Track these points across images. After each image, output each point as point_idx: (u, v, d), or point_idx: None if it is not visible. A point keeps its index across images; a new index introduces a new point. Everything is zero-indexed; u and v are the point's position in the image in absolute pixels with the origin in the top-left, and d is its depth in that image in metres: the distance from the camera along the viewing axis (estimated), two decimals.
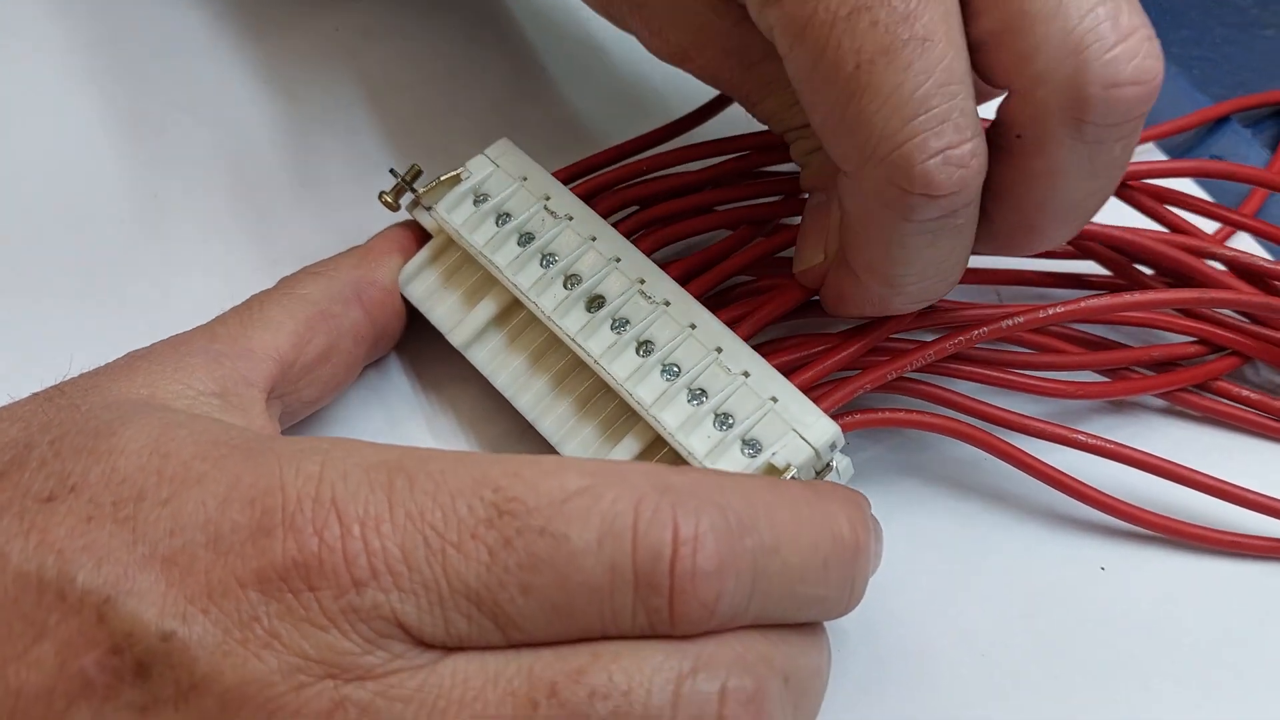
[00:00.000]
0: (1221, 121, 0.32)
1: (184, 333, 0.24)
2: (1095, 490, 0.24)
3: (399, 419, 0.27)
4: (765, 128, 0.26)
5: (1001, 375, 0.25)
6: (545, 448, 0.26)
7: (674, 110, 0.30)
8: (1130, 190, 0.27)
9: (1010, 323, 0.24)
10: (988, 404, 0.25)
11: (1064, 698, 0.23)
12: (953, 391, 0.25)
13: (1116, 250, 0.26)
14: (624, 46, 0.33)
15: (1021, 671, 0.23)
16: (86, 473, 0.18)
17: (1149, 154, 0.31)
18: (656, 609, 0.17)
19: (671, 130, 0.29)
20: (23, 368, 0.23)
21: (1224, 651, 0.23)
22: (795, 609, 0.19)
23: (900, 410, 0.25)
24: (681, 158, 0.28)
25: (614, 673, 0.17)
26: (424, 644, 0.17)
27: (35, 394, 0.21)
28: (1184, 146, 0.32)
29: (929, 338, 0.25)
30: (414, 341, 0.28)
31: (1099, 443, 0.24)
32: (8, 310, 0.28)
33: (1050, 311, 0.24)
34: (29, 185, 0.31)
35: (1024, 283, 0.27)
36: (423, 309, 0.26)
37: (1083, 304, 0.24)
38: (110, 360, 0.22)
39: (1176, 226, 0.27)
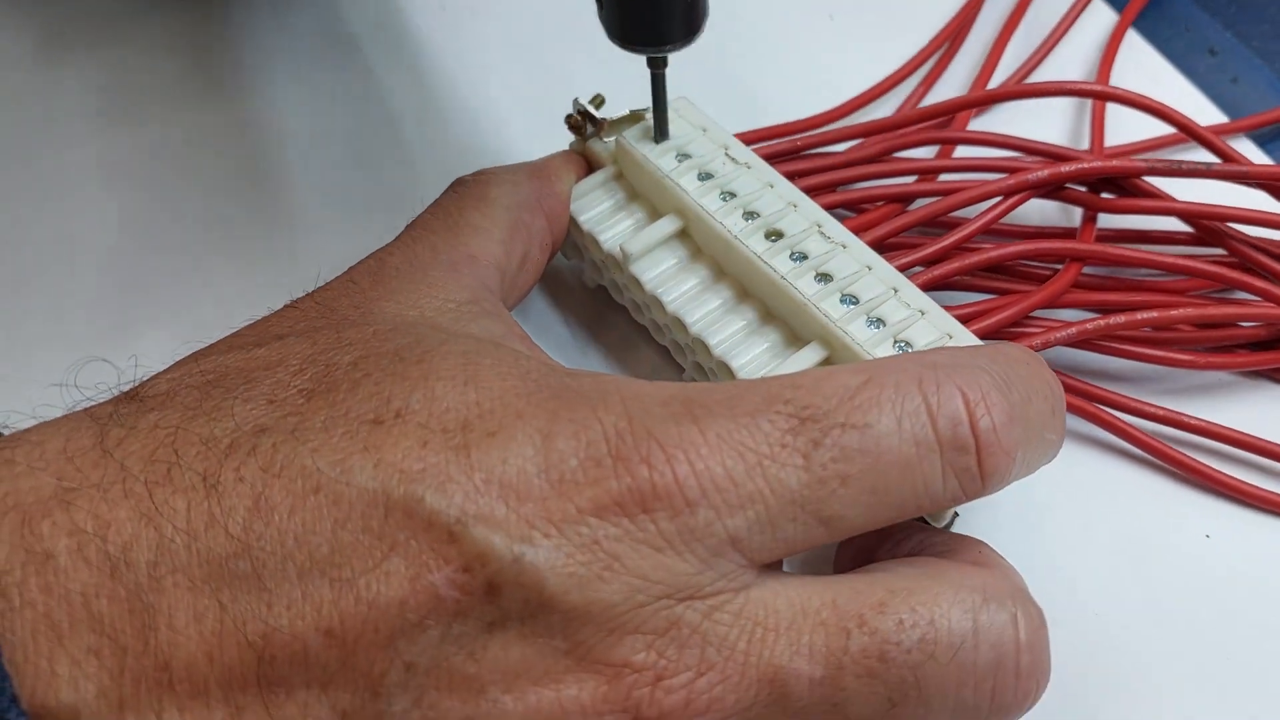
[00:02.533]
0: None
1: (401, 243, 0.24)
2: (1201, 464, 0.27)
3: None
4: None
5: (1124, 348, 0.28)
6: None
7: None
8: None
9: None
10: (1101, 387, 0.27)
11: (1170, 657, 0.25)
12: (1065, 373, 0.28)
13: None
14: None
15: (1130, 630, 0.25)
16: (408, 398, 0.18)
17: (1239, 143, 0.33)
18: (965, 468, 0.19)
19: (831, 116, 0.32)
20: None
21: None
22: (1044, 454, 0.21)
23: None
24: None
25: (915, 605, 0.18)
26: (750, 560, 0.18)
27: (295, 305, 0.22)
28: (1269, 135, 0.34)
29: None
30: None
31: (1204, 425, 0.27)
32: None
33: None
34: None
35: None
36: (590, 227, 0.28)
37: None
38: (346, 272, 0.23)
39: None
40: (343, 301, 0.22)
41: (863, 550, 0.23)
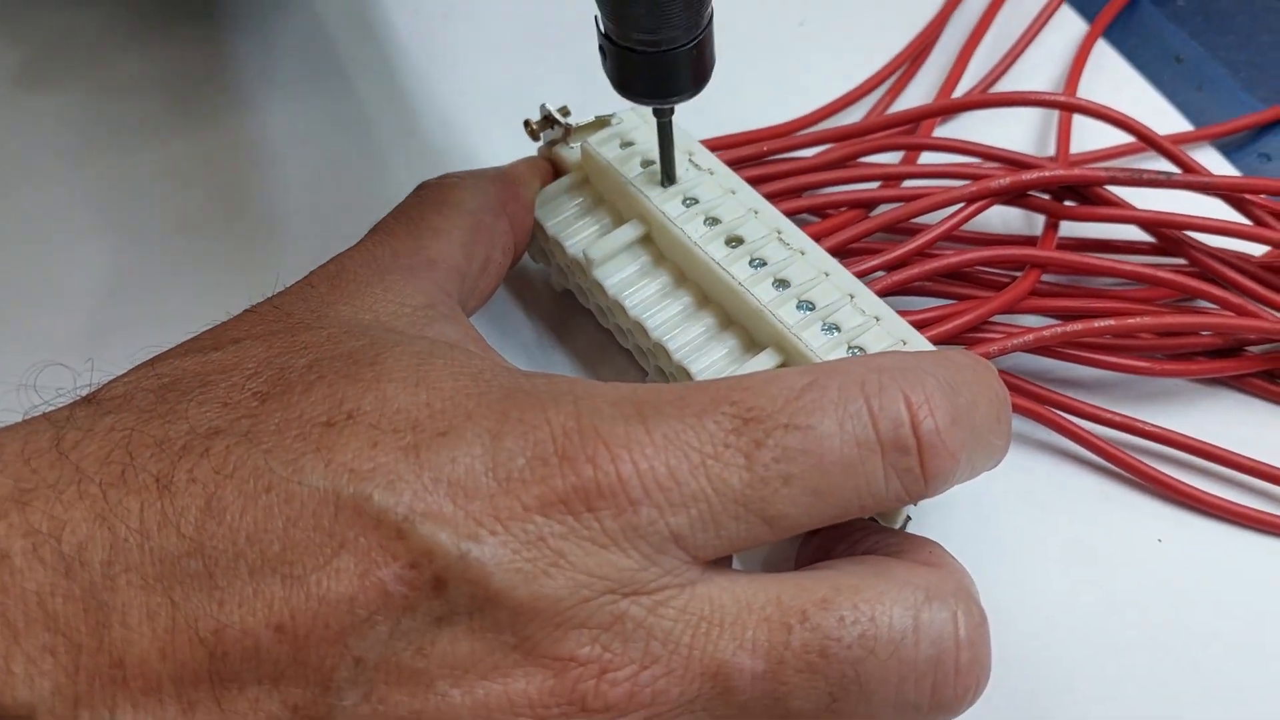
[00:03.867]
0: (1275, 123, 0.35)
1: (362, 247, 0.24)
2: (1154, 470, 0.27)
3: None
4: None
5: (1082, 355, 0.28)
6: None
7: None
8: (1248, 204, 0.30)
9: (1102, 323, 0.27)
10: (1058, 392, 0.28)
11: (1120, 661, 0.25)
12: (1022, 378, 0.28)
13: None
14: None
15: (1081, 633, 0.25)
16: (360, 400, 0.18)
17: (1204, 151, 0.34)
18: (907, 469, 0.19)
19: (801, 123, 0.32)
20: None
21: (1274, 625, 0.25)
22: (989, 458, 0.21)
23: None
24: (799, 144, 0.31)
25: (858, 602, 0.19)
26: (694, 557, 0.18)
27: (253, 310, 0.22)
28: (1235, 144, 0.35)
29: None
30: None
31: (1160, 431, 0.27)
32: None
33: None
34: None
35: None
36: (555, 232, 0.28)
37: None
38: (305, 277, 0.23)
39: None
40: (299, 306, 0.22)
41: (820, 549, 0.23)
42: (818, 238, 0.29)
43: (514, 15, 0.37)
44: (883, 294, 0.28)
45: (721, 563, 0.20)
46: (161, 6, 0.37)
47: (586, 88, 0.28)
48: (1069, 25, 0.37)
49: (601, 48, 0.24)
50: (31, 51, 0.36)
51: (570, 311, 0.30)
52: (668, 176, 0.27)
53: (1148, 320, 0.27)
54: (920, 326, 0.27)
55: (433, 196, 0.26)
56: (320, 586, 0.17)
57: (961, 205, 0.29)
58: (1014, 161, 0.30)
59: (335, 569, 0.17)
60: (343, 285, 0.23)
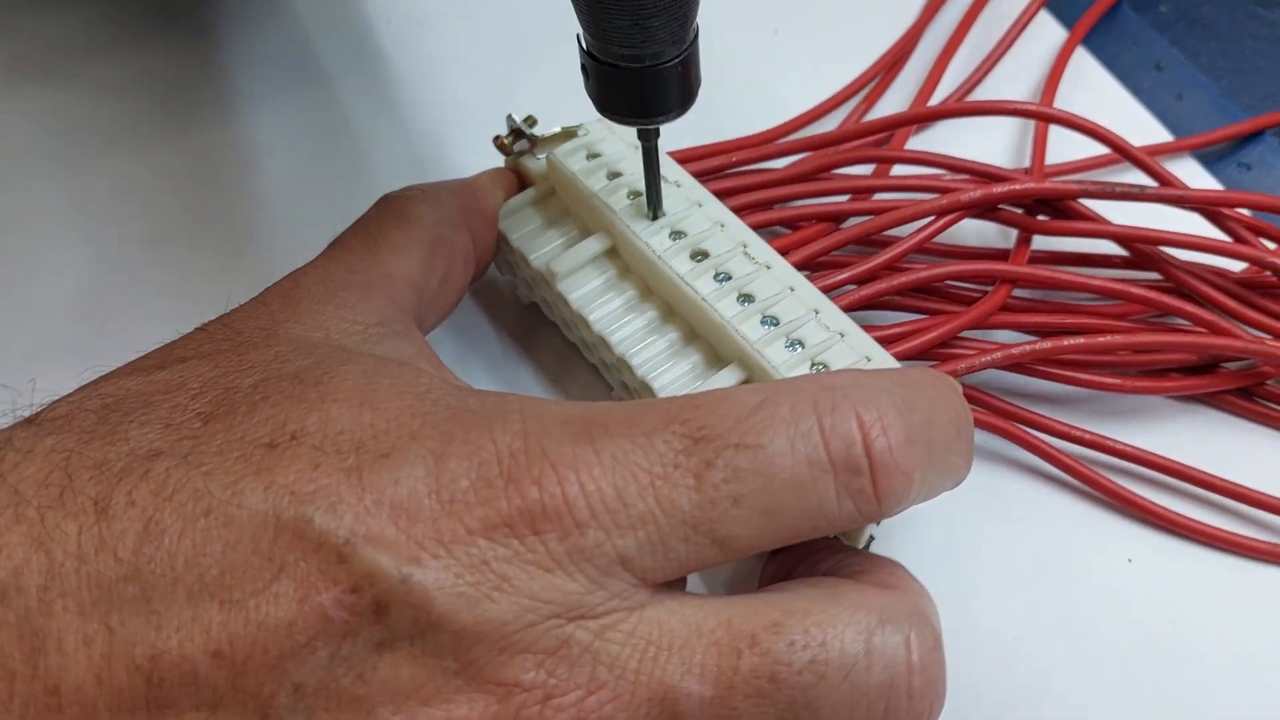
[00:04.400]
0: (1255, 134, 0.34)
1: (319, 263, 0.24)
2: (1125, 489, 0.27)
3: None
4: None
5: (1053, 372, 0.28)
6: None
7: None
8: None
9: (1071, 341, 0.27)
10: (1029, 410, 0.27)
11: (1089, 682, 0.25)
12: (992, 394, 0.28)
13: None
14: None
15: (1049, 654, 0.25)
16: (303, 421, 0.18)
17: (1183, 162, 0.34)
18: (860, 490, 0.19)
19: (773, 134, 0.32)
20: None
21: (1242, 647, 0.25)
22: (944, 477, 0.21)
23: None
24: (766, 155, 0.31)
25: (809, 626, 0.18)
26: (643, 580, 0.18)
27: (203, 328, 0.22)
28: (1215, 155, 0.34)
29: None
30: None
31: (1130, 450, 0.27)
32: None
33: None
34: None
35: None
36: (519, 244, 0.28)
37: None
38: (259, 294, 0.23)
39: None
40: (250, 324, 0.22)
41: (781, 568, 0.23)
42: (786, 251, 0.28)
43: (492, 22, 0.37)
44: (851, 308, 0.27)
45: (675, 583, 0.19)
46: (143, 12, 0.37)
47: (566, 95, 0.28)
48: (1048, 32, 0.37)
49: (584, 66, 0.23)
50: (8, 55, 0.36)
51: (537, 323, 0.30)
52: (654, 207, 0.26)
53: (1119, 338, 0.27)
54: (888, 342, 0.27)
55: (392, 210, 0.26)
56: (259, 611, 0.17)
57: (931, 219, 0.28)
58: (986, 174, 0.30)
59: (274, 594, 0.17)
60: (295, 302, 0.23)
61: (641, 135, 0.25)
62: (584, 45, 0.23)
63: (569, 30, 0.22)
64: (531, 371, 0.29)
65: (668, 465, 0.18)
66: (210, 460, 0.18)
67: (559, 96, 0.29)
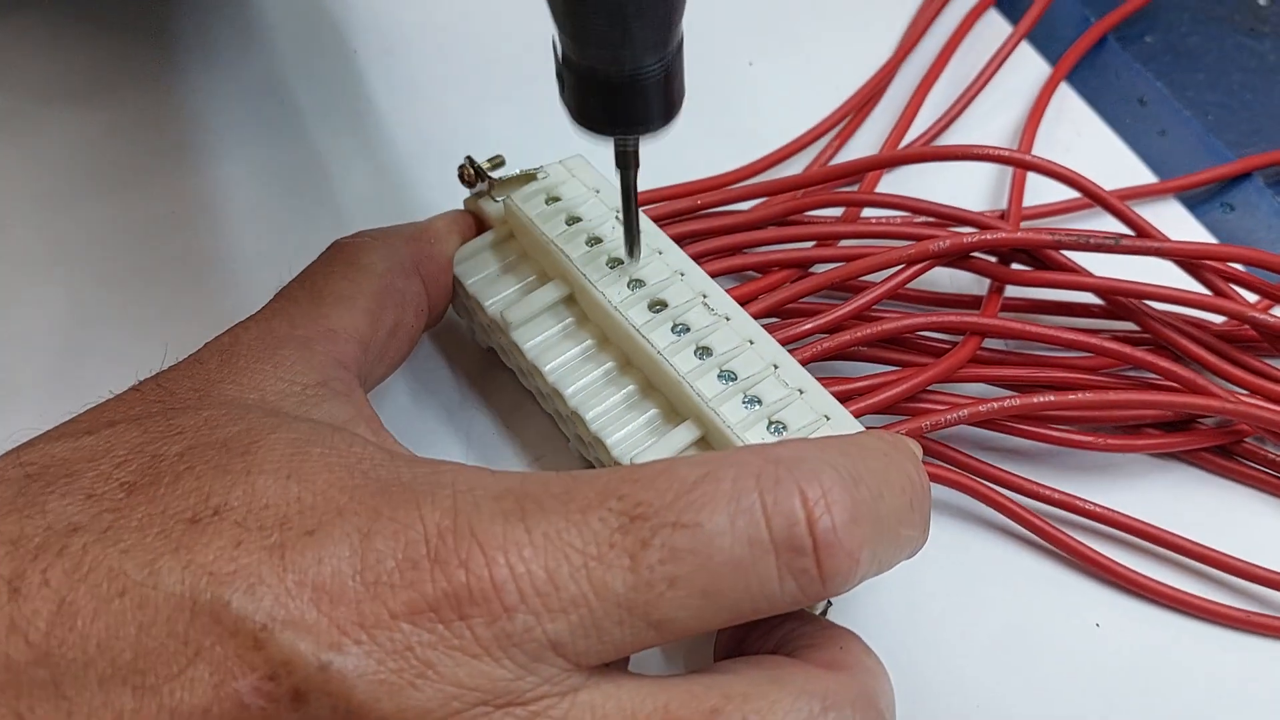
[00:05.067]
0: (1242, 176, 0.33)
1: (261, 316, 0.23)
2: (1094, 552, 0.26)
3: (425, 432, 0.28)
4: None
5: (1023, 429, 0.27)
6: (573, 462, 0.27)
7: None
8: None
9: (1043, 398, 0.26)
10: (997, 467, 0.27)
11: None
12: (960, 450, 0.27)
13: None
14: None
15: None
16: (228, 495, 0.18)
17: (1167, 205, 0.33)
18: (803, 570, 0.18)
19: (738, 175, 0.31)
20: None
21: (1211, 717, 0.24)
22: (897, 551, 0.20)
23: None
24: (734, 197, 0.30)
25: (747, 714, 0.18)
26: (576, 664, 0.17)
27: (136, 388, 0.21)
28: (1201, 196, 0.33)
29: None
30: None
31: (1100, 511, 0.26)
32: None
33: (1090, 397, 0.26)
34: None
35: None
36: (474, 290, 0.27)
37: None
38: (196, 351, 0.22)
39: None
40: (183, 384, 0.21)
41: (734, 637, 0.22)
42: (752, 298, 0.28)
43: (463, 55, 0.36)
44: (817, 359, 0.26)
45: (616, 662, 0.19)
46: (109, 60, 0.35)
47: (540, 130, 0.27)
48: (1028, 63, 0.36)
49: (559, 74, 0.22)
50: None
51: (494, 367, 0.29)
52: (631, 245, 0.25)
53: (1091, 396, 0.26)
54: (854, 396, 0.26)
55: (339, 259, 0.25)
56: (173, 698, 0.16)
57: (901, 266, 0.27)
58: (959, 219, 0.29)
59: (189, 679, 0.16)
60: (232, 360, 0.22)
61: (619, 158, 0.23)
62: (558, 52, 0.21)
63: (542, 65, 0.21)
64: (488, 418, 0.28)
65: (602, 545, 0.17)
66: (129, 536, 0.17)
67: (533, 131, 0.28)
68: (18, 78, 0.35)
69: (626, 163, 0.24)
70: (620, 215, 0.25)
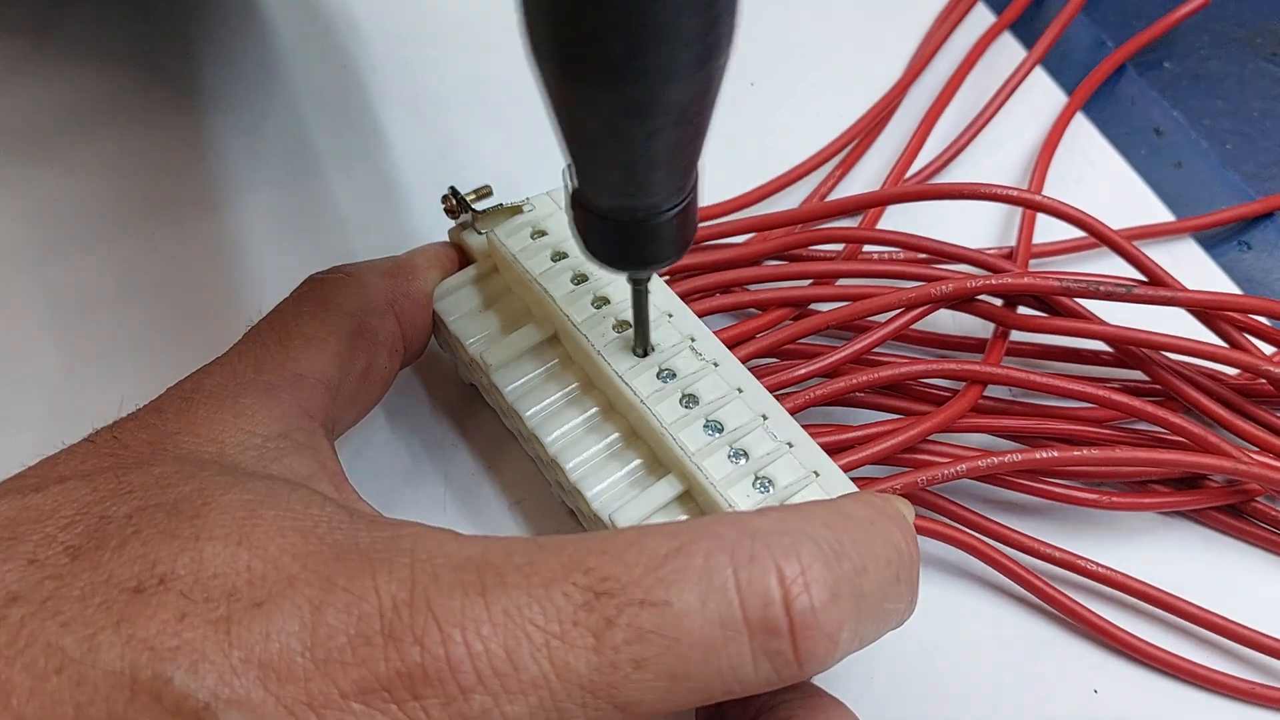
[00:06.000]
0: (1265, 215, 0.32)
1: (226, 359, 0.22)
2: (1094, 614, 0.25)
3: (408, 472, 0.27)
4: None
5: (1030, 485, 0.26)
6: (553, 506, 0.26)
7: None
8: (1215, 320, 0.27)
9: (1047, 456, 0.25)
10: (996, 522, 0.25)
11: None
12: (958, 504, 0.26)
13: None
14: None
15: None
16: (174, 562, 0.17)
17: (1183, 245, 0.31)
18: (778, 652, 0.17)
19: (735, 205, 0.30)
20: None
21: None
22: (881, 626, 0.19)
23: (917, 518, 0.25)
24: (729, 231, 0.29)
25: None
26: None
27: (91, 439, 0.20)
28: (1218, 235, 0.32)
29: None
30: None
31: (1102, 572, 0.25)
32: None
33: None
34: None
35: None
36: (455, 328, 0.26)
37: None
38: (157, 398, 0.22)
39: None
40: (139, 436, 0.20)
41: (710, 706, 0.21)
42: (744, 338, 0.27)
43: (454, 76, 0.35)
44: (812, 405, 0.25)
45: None
46: (121, 91, 0.34)
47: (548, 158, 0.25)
48: (1041, 89, 0.35)
49: (569, 206, 0.20)
50: None
51: (478, 403, 0.28)
52: (641, 345, 0.24)
53: (1096, 453, 0.25)
54: (850, 447, 0.25)
55: (310, 297, 0.24)
56: None
57: (901, 310, 0.26)
58: (965, 259, 0.28)
59: None
60: (191, 409, 0.21)
61: (632, 278, 0.23)
62: (569, 185, 0.20)
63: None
64: (468, 456, 0.27)
65: (565, 623, 0.17)
66: (70, 608, 0.16)
67: (526, 156, 0.26)
68: (25, 105, 0.34)
69: (639, 281, 0.23)
70: (635, 318, 0.24)
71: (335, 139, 0.33)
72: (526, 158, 0.30)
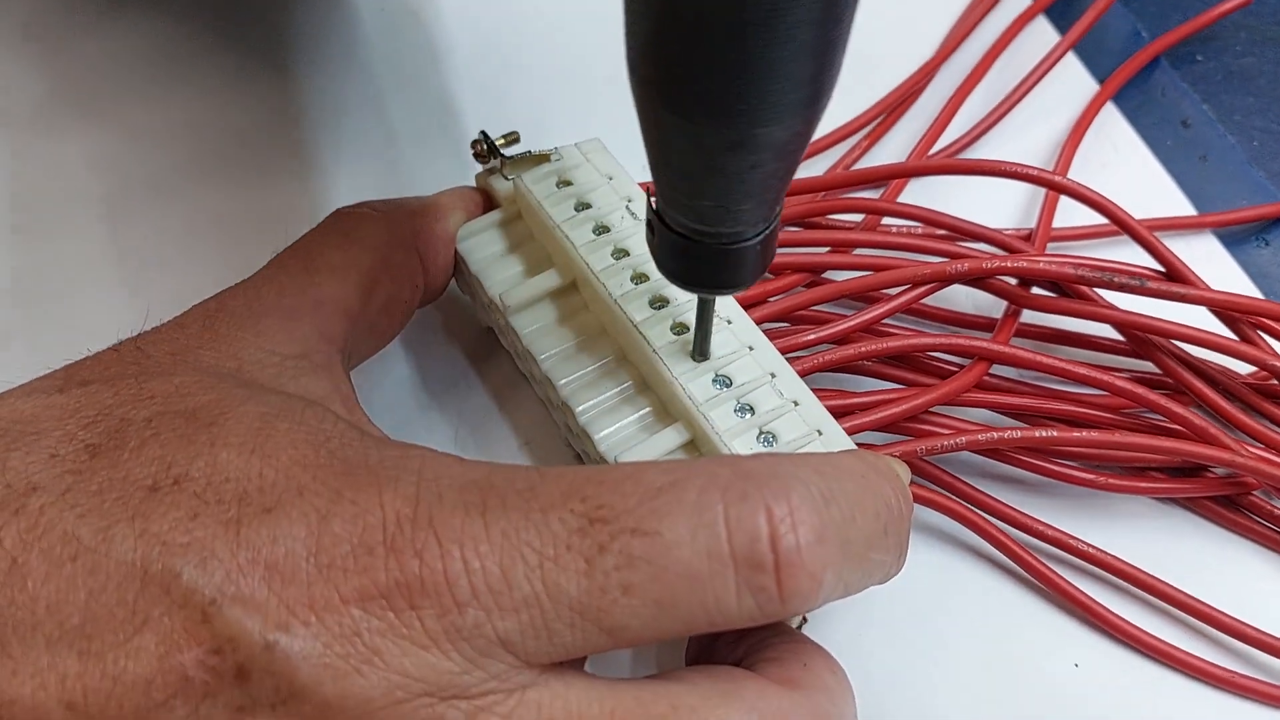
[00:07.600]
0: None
1: (251, 282, 0.23)
2: (1080, 592, 0.25)
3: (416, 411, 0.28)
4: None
5: (1023, 460, 0.26)
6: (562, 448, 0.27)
7: None
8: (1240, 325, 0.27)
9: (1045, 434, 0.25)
10: (992, 496, 0.26)
11: None
12: (955, 476, 0.26)
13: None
14: None
15: None
16: (189, 465, 0.18)
17: (1203, 240, 0.32)
18: (762, 588, 0.18)
19: None
20: None
21: None
22: (866, 576, 0.19)
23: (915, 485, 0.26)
24: None
25: None
26: (526, 662, 0.17)
27: (115, 348, 0.21)
28: (1240, 236, 0.32)
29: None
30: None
31: (1093, 553, 0.25)
32: None
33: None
34: None
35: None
36: (476, 269, 0.26)
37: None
38: (181, 314, 0.22)
39: None
40: (162, 348, 0.21)
41: (704, 642, 0.22)
42: (759, 300, 0.27)
43: (488, 24, 0.35)
44: (820, 369, 0.26)
45: (569, 662, 0.18)
46: (186, 52, 0.34)
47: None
48: (1072, 74, 0.35)
49: (650, 222, 0.20)
50: (48, 89, 0.33)
51: (494, 346, 0.29)
52: (701, 350, 0.24)
53: (1095, 435, 0.25)
54: (853, 412, 0.25)
55: (337, 229, 0.24)
56: (117, 665, 0.16)
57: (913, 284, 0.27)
58: (984, 238, 0.28)
59: (135, 648, 0.16)
60: (214, 327, 0.22)
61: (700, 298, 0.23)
62: (653, 204, 0.20)
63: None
64: (482, 397, 0.28)
65: (559, 546, 0.17)
66: (87, 500, 0.17)
67: (551, 108, 0.26)
68: (90, 62, 0.34)
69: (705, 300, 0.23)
70: (698, 326, 0.23)
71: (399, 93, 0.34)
72: (557, 110, 0.31)
